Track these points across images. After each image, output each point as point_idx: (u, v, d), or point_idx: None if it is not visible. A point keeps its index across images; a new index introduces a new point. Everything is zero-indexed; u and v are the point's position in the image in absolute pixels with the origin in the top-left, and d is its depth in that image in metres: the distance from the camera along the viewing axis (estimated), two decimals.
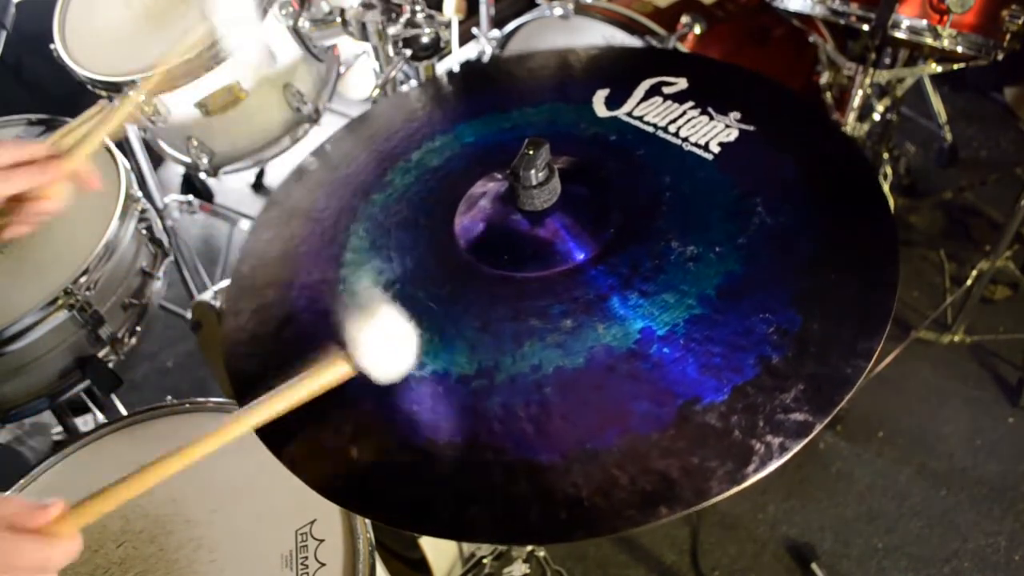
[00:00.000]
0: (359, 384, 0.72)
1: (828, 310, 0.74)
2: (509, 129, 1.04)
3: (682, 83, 1.02)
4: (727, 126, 0.95)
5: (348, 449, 0.73)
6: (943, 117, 2.53)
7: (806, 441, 0.64)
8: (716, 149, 0.93)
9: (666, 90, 1.02)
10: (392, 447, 0.72)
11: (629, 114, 1.00)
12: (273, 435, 0.74)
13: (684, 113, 0.98)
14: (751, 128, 0.95)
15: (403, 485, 0.70)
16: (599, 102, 1.03)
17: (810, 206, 0.85)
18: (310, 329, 0.85)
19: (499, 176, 0.92)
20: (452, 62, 2.39)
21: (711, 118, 0.97)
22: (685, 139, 0.95)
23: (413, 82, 1.51)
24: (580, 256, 0.83)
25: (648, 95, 1.02)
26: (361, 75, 2.43)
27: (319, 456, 0.74)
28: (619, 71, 1.10)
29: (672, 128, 0.97)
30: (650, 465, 0.65)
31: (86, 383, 1.26)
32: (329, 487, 0.72)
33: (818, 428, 0.65)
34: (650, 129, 0.97)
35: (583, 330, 0.76)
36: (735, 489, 0.63)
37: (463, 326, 0.79)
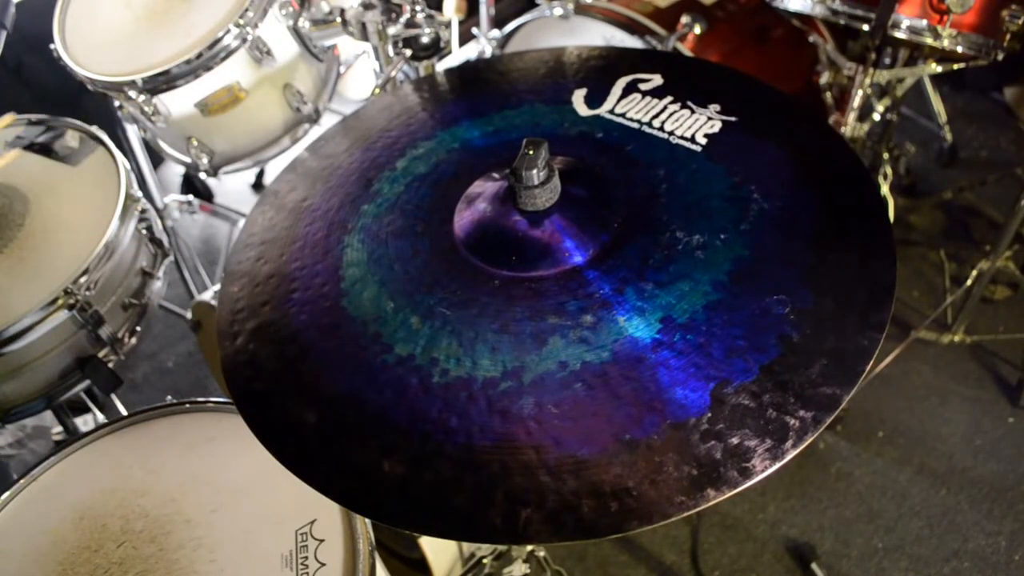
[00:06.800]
0: (380, 395, 0.74)
1: (836, 285, 0.77)
2: (493, 133, 1.04)
3: (657, 79, 1.04)
4: (709, 118, 0.97)
5: (380, 463, 0.72)
6: (943, 117, 2.53)
7: (837, 412, 0.67)
8: (703, 141, 0.95)
9: (643, 87, 1.04)
10: (426, 457, 0.71)
11: (611, 111, 1.01)
12: (296, 456, 0.74)
13: (665, 108, 1.00)
14: (733, 119, 0.97)
15: (448, 495, 0.68)
16: (579, 101, 1.05)
17: (801, 188, 0.87)
18: (316, 346, 0.84)
19: (496, 176, 0.92)
20: (452, 62, 2.39)
21: (692, 111, 0.99)
22: (671, 133, 0.96)
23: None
24: (588, 251, 0.83)
25: (626, 92, 1.04)
26: (361, 75, 2.43)
27: (350, 474, 0.72)
28: (592, 71, 1.11)
29: (656, 123, 0.98)
30: (692, 450, 0.66)
31: (86, 383, 1.26)
32: (365, 503, 0.71)
33: (846, 399, 0.68)
34: (635, 125, 0.99)
35: (604, 324, 0.76)
36: (777, 465, 0.64)
37: (481, 329, 0.79)
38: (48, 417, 1.73)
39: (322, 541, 0.90)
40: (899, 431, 1.92)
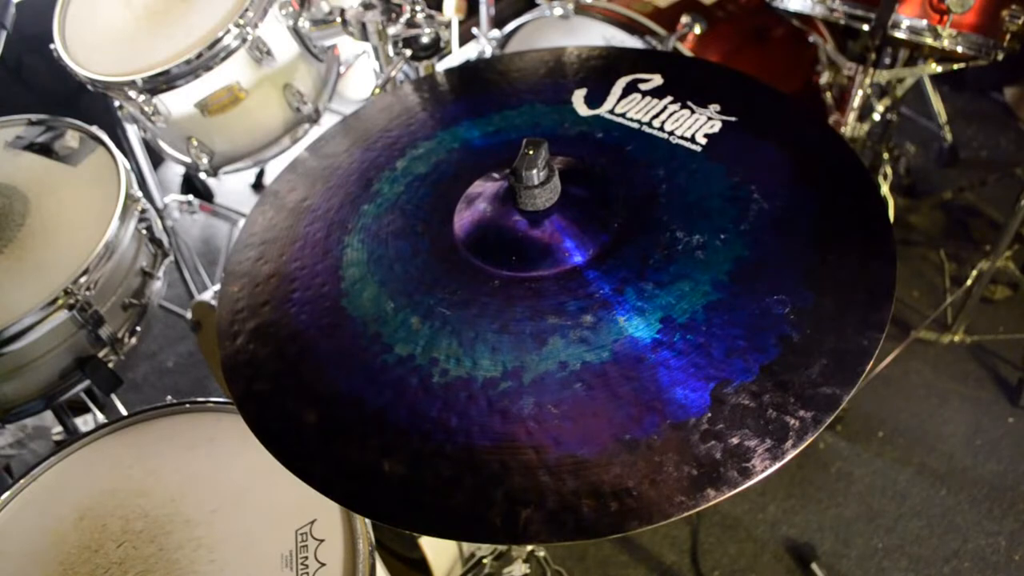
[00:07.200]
0: (380, 395, 0.74)
1: (836, 285, 0.77)
2: (493, 133, 1.04)
3: (657, 79, 1.04)
4: (709, 118, 0.97)
5: (379, 463, 0.72)
6: (943, 117, 2.53)
7: (837, 412, 0.68)
8: (703, 141, 0.95)
9: (643, 87, 1.04)
10: (426, 457, 0.71)
11: (611, 111, 1.01)
12: (296, 456, 0.74)
13: (665, 108, 1.00)
14: (733, 119, 0.97)
15: (448, 495, 0.68)
16: (579, 101, 1.05)
17: (801, 188, 0.87)
18: (316, 346, 0.83)
19: (496, 176, 0.92)
20: (452, 62, 2.39)
21: (692, 111, 0.99)
22: (671, 133, 0.97)
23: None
24: (588, 251, 0.83)
25: (626, 92, 1.04)
26: (361, 75, 2.43)
27: (349, 474, 0.72)
28: (592, 71, 1.11)
29: (656, 123, 0.98)
30: (692, 450, 0.66)
31: (86, 383, 1.26)
32: (365, 503, 0.71)
33: (846, 399, 0.68)
34: (635, 125, 0.99)
35: (604, 324, 0.76)
36: (777, 465, 0.64)
37: (481, 329, 0.79)
38: (48, 417, 1.73)
39: (322, 541, 0.90)
40: (899, 431, 1.92)
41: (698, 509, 0.63)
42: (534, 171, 0.82)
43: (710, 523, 1.78)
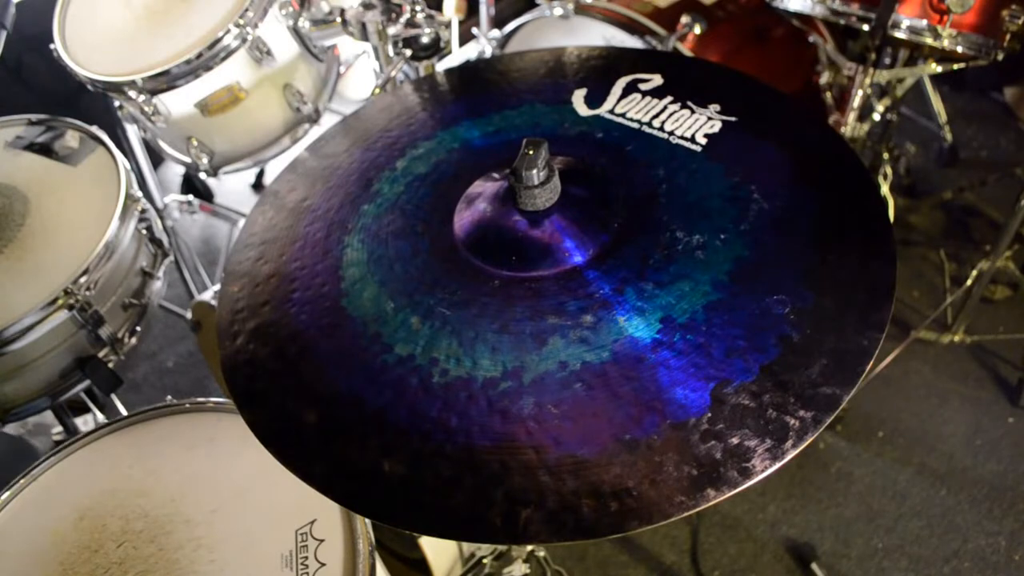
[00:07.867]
0: (380, 395, 0.74)
1: (836, 285, 0.77)
2: (493, 133, 1.05)
3: (657, 79, 1.04)
4: (709, 118, 0.97)
5: (379, 463, 0.72)
6: (943, 117, 2.53)
7: (837, 412, 0.68)
8: (703, 141, 0.95)
9: (643, 87, 1.04)
10: (426, 457, 0.71)
11: (611, 111, 1.02)
12: (296, 456, 0.74)
13: (665, 108, 1.00)
14: (733, 119, 0.97)
15: (448, 495, 0.68)
16: (579, 101, 1.05)
17: (801, 188, 0.87)
18: (316, 345, 0.83)
19: (496, 176, 0.92)
20: (452, 62, 2.39)
21: (692, 111, 0.99)
22: (671, 133, 0.97)
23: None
24: (588, 251, 0.83)
25: (626, 92, 1.04)
26: (361, 75, 2.43)
27: (349, 474, 0.72)
28: (592, 71, 1.11)
29: (656, 123, 0.98)
30: (692, 450, 0.66)
31: (86, 383, 1.26)
32: (365, 503, 0.71)
33: (846, 399, 0.68)
34: (635, 125, 0.99)
35: (604, 324, 0.76)
36: (777, 465, 0.64)
37: (481, 329, 0.79)
38: (48, 416, 1.73)
39: (322, 541, 0.90)
40: (899, 431, 1.92)
41: (698, 509, 0.63)
42: (534, 171, 0.82)
43: (710, 523, 1.78)
